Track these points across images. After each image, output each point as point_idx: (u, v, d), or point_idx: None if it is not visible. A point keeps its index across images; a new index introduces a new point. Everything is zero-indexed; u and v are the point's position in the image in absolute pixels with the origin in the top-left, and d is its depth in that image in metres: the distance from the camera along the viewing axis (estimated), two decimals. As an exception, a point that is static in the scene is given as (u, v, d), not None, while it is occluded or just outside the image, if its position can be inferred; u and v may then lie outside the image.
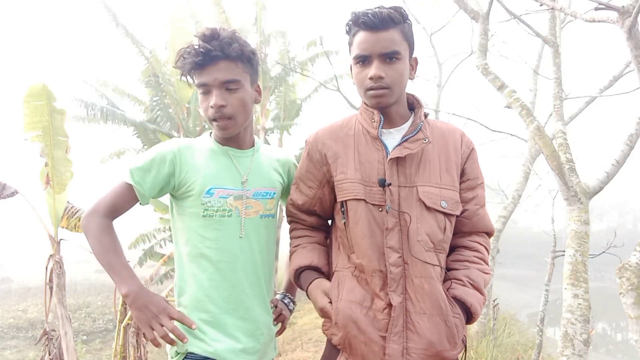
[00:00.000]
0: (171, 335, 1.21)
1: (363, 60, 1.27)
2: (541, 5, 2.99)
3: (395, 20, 1.24)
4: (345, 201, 1.30)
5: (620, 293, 2.11)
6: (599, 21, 2.28)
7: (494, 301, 5.40)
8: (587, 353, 2.66)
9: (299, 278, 1.40)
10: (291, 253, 1.46)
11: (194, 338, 1.30)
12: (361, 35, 1.26)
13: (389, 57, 1.25)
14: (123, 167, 1.36)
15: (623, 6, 2.14)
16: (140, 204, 1.36)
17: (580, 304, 2.72)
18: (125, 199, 1.32)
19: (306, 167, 1.41)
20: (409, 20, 1.30)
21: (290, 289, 1.60)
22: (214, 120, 1.33)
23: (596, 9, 2.19)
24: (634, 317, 2.06)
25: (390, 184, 1.26)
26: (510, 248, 18.85)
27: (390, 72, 1.25)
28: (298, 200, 1.43)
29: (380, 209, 1.26)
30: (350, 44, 1.32)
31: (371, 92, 1.27)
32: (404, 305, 1.23)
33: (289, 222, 1.51)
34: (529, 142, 5.46)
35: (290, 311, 1.55)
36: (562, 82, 3.62)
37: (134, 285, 1.23)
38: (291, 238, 1.49)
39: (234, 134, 1.39)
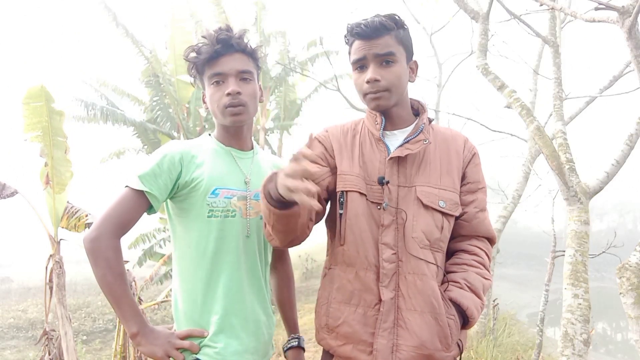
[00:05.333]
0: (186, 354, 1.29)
1: (360, 65, 1.30)
2: (541, 5, 2.99)
3: (388, 27, 1.26)
4: (346, 192, 1.30)
5: (620, 293, 2.11)
6: (599, 21, 2.27)
7: (494, 301, 5.40)
8: (587, 353, 2.66)
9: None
10: None
11: (199, 344, 1.31)
12: (356, 44, 1.30)
13: (385, 60, 1.27)
14: (126, 176, 1.31)
15: (623, 6, 2.13)
16: (148, 213, 1.32)
17: (580, 304, 2.72)
18: (134, 210, 1.27)
19: (320, 149, 1.37)
20: (405, 26, 1.31)
21: (293, 329, 1.58)
22: (228, 107, 1.33)
23: (596, 9, 2.18)
24: (634, 317, 2.06)
25: (388, 182, 1.28)
26: (510, 248, 18.85)
27: (387, 74, 1.27)
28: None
29: (379, 207, 1.28)
30: (348, 53, 1.35)
31: (369, 95, 1.30)
32: (395, 301, 1.23)
33: None
34: (529, 142, 5.46)
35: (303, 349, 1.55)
36: (562, 82, 3.62)
37: (141, 324, 1.25)
38: None
39: (243, 124, 1.40)
